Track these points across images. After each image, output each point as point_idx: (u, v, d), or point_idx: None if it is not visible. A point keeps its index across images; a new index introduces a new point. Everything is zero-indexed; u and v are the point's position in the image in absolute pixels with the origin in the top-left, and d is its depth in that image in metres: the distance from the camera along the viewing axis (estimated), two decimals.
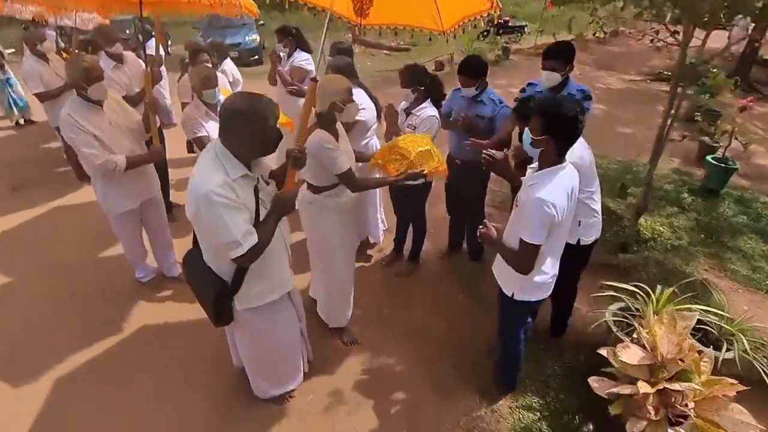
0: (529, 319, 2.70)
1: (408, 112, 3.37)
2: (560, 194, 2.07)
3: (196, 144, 3.22)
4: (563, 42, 3.14)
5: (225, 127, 1.90)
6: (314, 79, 2.29)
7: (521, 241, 2.14)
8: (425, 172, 2.78)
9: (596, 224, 2.77)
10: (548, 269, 2.31)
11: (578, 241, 2.71)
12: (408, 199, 3.63)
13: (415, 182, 2.96)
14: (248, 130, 1.87)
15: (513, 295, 2.40)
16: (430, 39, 6.10)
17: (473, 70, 3.21)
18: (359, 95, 3.48)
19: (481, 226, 2.37)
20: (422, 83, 3.27)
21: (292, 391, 2.78)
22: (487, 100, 3.26)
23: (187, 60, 4.61)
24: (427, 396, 2.87)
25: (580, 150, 2.42)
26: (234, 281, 2.10)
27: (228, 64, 5.36)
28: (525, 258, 2.17)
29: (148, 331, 3.34)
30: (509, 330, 2.65)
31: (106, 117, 3.00)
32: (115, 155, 2.98)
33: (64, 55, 5.56)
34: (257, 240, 1.93)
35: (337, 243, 2.92)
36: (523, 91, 3.37)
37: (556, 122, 2.03)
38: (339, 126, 2.71)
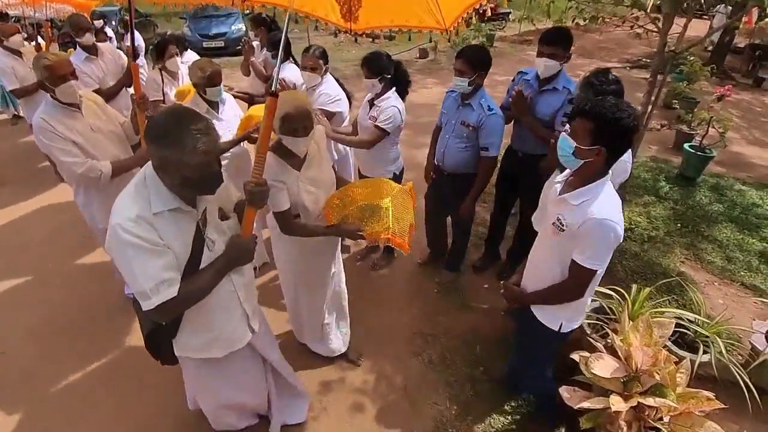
0: None
1: (372, 103, 2.97)
2: (617, 209, 1.70)
3: None
4: (562, 27, 2.79)
5: (152, 146, 1.40)
6: (273, 93, 1.61)
7: (579, 267, 1.75)
8: (362, 233, 2.08)
9: None
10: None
11: None
12: None
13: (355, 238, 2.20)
14: (170, 160, 1.36)
15: (561, 327, 1.98)
16: None
17: (474, 58, 2.63)
18: (332, 85, 3.16)
19: (501, 290, 2.12)
20: (387, 71, 2.83)
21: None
22: (476, 105, 2.73)
23: (155, 53, 4.21)
24: (398, 396, 2.65)
25: None
26: (170, 325, 1.66)
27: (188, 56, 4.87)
28: (580, 285, 1.81)
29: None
30: (543, 364, 2.25)
31: (85, 121, 2.57)
32: (99, 162, 2.56)
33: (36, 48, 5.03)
34: (176, 294, 1.45)
35: (295, 278, 2.46)
36: (514, 80, 3.04)
37: (614, 130, 1.60)
38: (315, 146, 2.13)
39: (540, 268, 2.00)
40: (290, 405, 2.39)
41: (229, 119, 2.90)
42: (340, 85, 3.29)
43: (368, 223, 2.06)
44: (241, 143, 2.85)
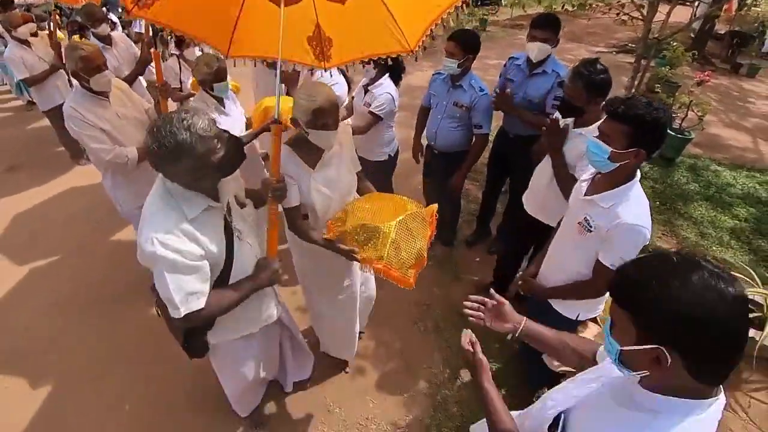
0: None
1: (366, 88, 2.94)
2: (646, 212, 1.59)
3: None
4: (551, 13, 2.76)
5: (161, 165, 1.34)
6: (276, 121, 1.69)
7: (606, 268, 1.66)
8: (358, 255, 1.72)
9: None
10: None
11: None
12: (371, 172, 3.07)
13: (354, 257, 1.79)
14: (186, 166, 1.31)
15: (578, 316, 1.93)
16: None
17: (465, 41, 2.63)
18: (332, 70, 3.12)
19: (519, 281, 1.95)
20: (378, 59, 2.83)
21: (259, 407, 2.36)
22: (467, 86, 2.74)
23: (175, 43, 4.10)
24: (396, 360, 2.72)
25: None
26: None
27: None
28: (603, 283, 1.66)
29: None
30: None
31: (112, 109, 2.55)
32: (126, 148, 2.56)
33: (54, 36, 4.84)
34: (203, 306, 1.44)
35: (307, 280, 2.25)
36: (505, 65, 3.00)
37: (653, 130, 1.48)
38: (338, 145, 1.89)
39: (562, 264, 1.94)
40: (300, 365, 2.46)
41: (235, 115, 2.84)
42: (341, 70, 3.22)
43: (363, 247, 1.73)
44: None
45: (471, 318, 1.35)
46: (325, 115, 1.68)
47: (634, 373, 0.89)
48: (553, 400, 1.13)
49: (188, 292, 1.41)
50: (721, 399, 0.86)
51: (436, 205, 1.84)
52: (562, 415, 1.06)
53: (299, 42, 2.06)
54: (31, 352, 2.80)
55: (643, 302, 0.84)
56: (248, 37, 2.05)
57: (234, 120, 2.80)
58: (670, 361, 0.81)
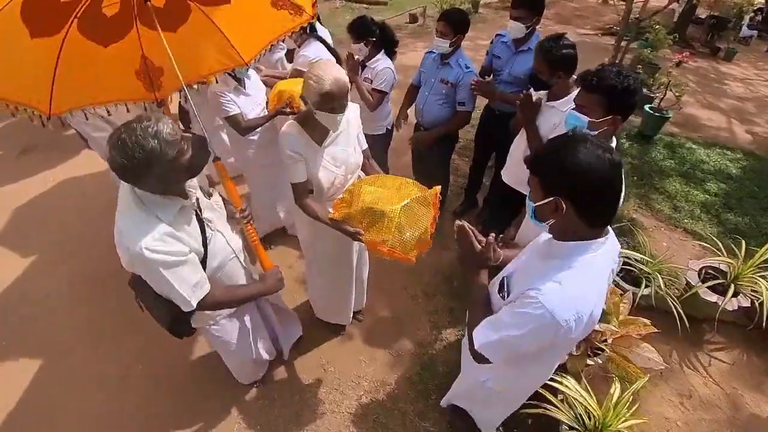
0: None
1: (363, 65, 2.82)
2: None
3: (231, 123, 2.54)
4: None
5: (132, 177, 1.25)
6: (217, 159, 1.70)
7: None
8: (362, 237, 1.68)
9: None
10: None
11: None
12: (370, 145, 3.09)
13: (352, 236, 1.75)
14: (156, 172, 1.22)
15: None
16: None
17: (455, 21, 2.54)
18: (314, 48, 2.95)
19: (499, 243, 2.00)
20: (372, 34, 2.69)
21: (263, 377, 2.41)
22: (455, 63, 2.64)
23: None
24: (386, 324, 2.73)
25: None
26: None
27: None
28: None
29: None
30: None
31: None
32: None
33: None
34: (209, 290, 1.45)
35: (310, 252, 2.23)
36: (492, 42, 2.91)
37: (625, 97, 1.50)
38: (346, 122, 1.81)
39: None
40: (289, 328, 2.44)
41: (255, 94, 2.67)
42: (330, 48, 3.06)
43: (368, 229, 1.69)
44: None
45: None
46: (333, 99, 1.60)
47: (545, 223, 1.12)
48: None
49: (192, 284, 1.40)
50: (610, 238, 1.12)
51: (439, 187, 1.78)
52: (505, 279, 1.29)
53: (128, 77, 1.91)
54: (55, 323, 2.79)
55: (545, 166, 1.08)
56: (72, 87, 1.75)
57: (254, 98, 2.65)
58: (565, 208, 1.03)
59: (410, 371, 2.50)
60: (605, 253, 1.11)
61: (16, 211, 3.75)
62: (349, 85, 1.63)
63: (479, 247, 1.36)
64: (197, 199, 1.48)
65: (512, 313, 1.13)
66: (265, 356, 2.16)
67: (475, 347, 1.23)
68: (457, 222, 1.40)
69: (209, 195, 1.60)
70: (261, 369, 2.37)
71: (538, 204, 1.09)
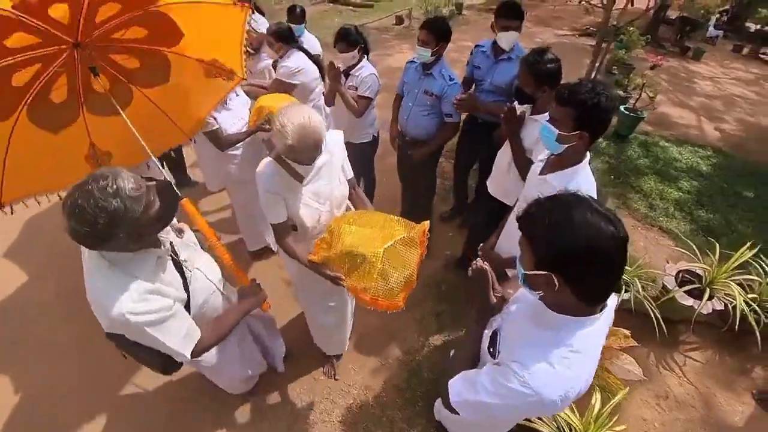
0: None
1: (347, 73, 2.67)
2: (593, 189, 1.55)
3: (209, 138, 2.35)
4: (515, 3, 2.55)
5: (98, 244, 1.09)
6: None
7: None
8: (343, 282, 1.52)
9: None
10: None
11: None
12: (357, 155, 2.77)
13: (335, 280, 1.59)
14: (125, 230, 1.06)
15: None
16: None
17: (437, 30, 2.40)
18: (295, 58, 2.82)
19: (479, 252, 1.84)
20: (362, 41, 2.59)
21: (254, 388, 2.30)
22: (438, 74, 2.50)
23: None
24: (375, 330, 2.65)
25: None
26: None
27: None
28: None
29: None
30: None
31: None
32: None
33: None
34: (200, 336, 1.33)
35: (300, 291, 2.14)
36: (472, 53, 2.80)
37: (594, 114, 1.41)
38: (328, 155, 1.63)
39: (517, 237, 1.90)
40: (277, 339, 2.29)
41: (237, 108, 2.52)
42: (312, 57, 2.94)
43: (349, 274, 1.50)
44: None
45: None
46: (296, 152, 1.42)
47: (534, 293, 0.97)
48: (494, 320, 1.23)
49: (182, 336, 1.28)
50: (605, 313, 0.96)
51: (427, 223, 1.58)
52: (497, 334, 1.14)
53: (79, 162, 1.80)
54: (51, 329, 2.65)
55: (537, 235, 0.91)
56: (22, 175, 1.64)
57: (236, 114, 2.50)
58: (557, 285, 0.87)
59: (398, 378, 2.43)
60: (603, 322, 0.97)
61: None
62: (322, 134, 1.42)
63: (494, 299, 1.22)
64: (170, 243, 1.33)
65: (495, 383, 0.98)
66: (256, 372, 2.05)
67: (450, 401, 1.11)
68: (477, 263, 1.25)
69: (180, 232, 1.44)
70: (251, 382, 2.27)
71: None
